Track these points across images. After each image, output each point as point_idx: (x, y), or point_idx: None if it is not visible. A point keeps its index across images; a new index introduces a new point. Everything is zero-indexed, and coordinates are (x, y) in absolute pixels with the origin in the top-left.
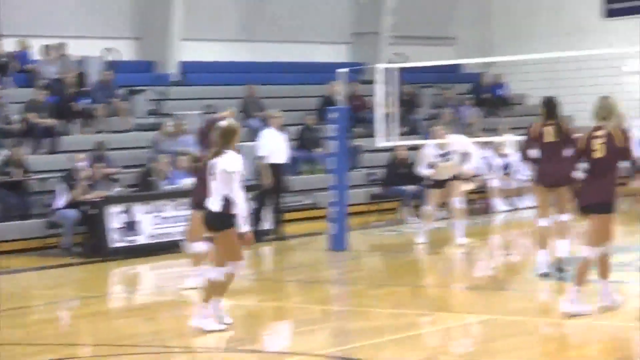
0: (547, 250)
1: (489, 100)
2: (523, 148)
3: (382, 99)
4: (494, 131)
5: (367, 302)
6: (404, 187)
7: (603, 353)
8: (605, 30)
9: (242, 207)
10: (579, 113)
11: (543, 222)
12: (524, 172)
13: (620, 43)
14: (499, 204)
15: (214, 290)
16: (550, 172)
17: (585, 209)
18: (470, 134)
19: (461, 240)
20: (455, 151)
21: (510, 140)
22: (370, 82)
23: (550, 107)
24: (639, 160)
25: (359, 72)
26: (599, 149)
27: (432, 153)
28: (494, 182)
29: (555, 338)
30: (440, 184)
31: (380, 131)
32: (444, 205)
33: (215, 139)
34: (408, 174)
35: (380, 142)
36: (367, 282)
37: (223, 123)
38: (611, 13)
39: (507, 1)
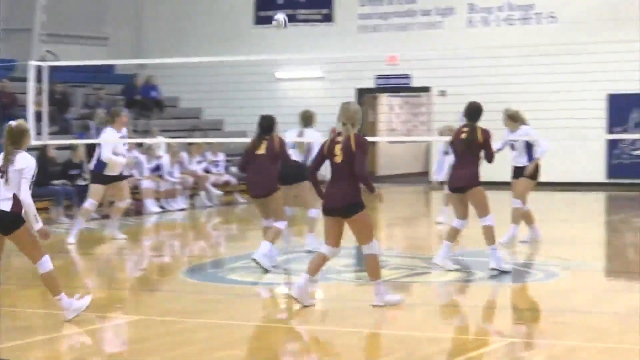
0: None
1: (141, 101)
2: (241, 162)
3: (33, 97)
4: (146, 133)
5: (16, 302)
6: (55, 187)
7: (251, 353)
8: (259, 37)
9: (30, 205)
10: (233, 117)
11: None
12: (175, 175)
13: (273, 50)
14: (150, 205)
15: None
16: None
17: (333, 212)
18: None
19: (119, 236)
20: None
21: (162, 142)
22: (23, 79)
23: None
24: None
25: (9, 69)
26: (338, 154)
27: (115, 137)
28: (146, 183)
29: (204, 339)
30: (108, 179)
31: (30, 129)
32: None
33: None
34: (59, 173)
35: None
36: (16, 281)
37: (13, 123)
38: (260, 20)
39: (159, 4)
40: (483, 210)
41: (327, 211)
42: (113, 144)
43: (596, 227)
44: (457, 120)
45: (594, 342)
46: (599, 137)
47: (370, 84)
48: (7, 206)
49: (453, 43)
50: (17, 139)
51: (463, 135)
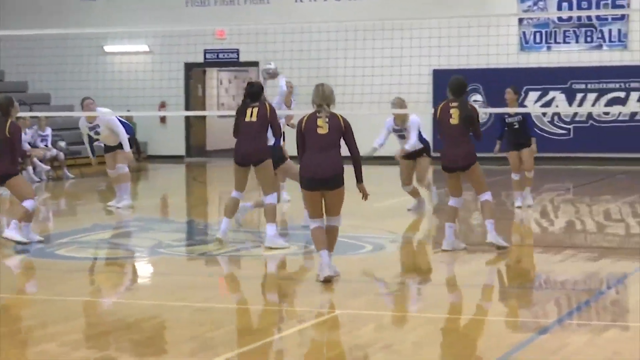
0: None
1: None
2: None
3: None
4: None
5: None
6: None
7: (81, 329)
8: (87, 9)
9: None
10: (61, 91)
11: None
12: None
13: (101, 23)
14: None
15: None
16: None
17: (320, 184)
18: None
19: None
20: None
21: None
22: None
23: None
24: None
25: None
26: (323, 126)
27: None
28: None
29: (33, 315)
30: None
31: None
32: None
33: None
34: None
35: None
36: None
37: None
38: None
39: None
40: (482, 187)
41: (313, 182)
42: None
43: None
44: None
45: (423, 312)
46: (427, 111)
47: (199, 58)
48: None
49: (281, 18)
50: None
51: (455, 112)
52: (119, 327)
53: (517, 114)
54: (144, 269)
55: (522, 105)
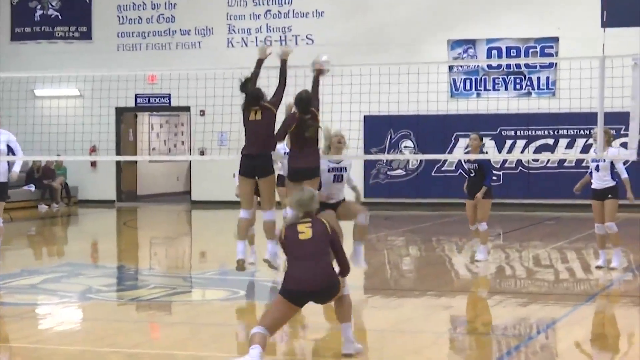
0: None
1: None
2: None
3: None
4: None
5: None
6: None
7: None
8: (16, 53)
9: None
10: None
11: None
12: None
13: (32, 67)
14: None
15: None
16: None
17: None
18: None
19: None
20: None
21: None
22: None
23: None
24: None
25: None
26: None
27: None
28: None
29: None
30: None
31: None
32: None
33: None
34: None
35: None
36: None
37: None
38: (16, 37)
39: None
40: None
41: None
42: None
43: None
44: (215, 139)
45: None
46: (357, 157)
47: (130, 102)
48: None
49: (212, 62)
50: None
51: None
52: None
53: (475, 161)
54: (73, 314)
55: (450, 152)
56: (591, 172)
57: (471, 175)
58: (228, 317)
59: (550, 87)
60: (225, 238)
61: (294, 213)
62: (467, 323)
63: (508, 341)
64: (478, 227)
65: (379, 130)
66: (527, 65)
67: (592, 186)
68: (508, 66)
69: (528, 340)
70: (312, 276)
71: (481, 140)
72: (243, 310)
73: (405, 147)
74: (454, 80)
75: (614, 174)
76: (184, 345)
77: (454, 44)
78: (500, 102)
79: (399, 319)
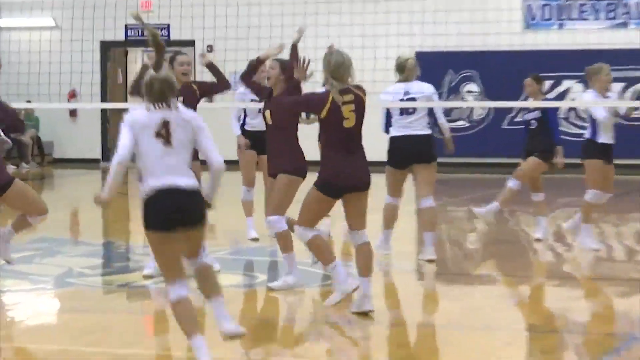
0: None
1: None
2: None
3: None
4: None
5: None
6: None
7: None
8: None
9: None
10: None
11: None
12: None
13: None
14: None
15: None
16: None
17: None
18: None
19: None
20: None
21: None
22: None
23: None
24: None
25: None
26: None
27: None
28: None
29: None
30: None
31: None
32: None
33: None
34: None
35: None
36: None
37: None
38: None
39: None
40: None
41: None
42: None
43: None
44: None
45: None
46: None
47: (120, 35)
48: None
49: None
50: None
51: None
52: None
53: (536, 109)
54: (49, 304)
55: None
56: None
57: (531, 127)
58: (245, 308)
59: None
60: (238, 209)
61: (329, 85)
62: (549, 318)
63: (603, 341)
64: (532, 196)
65: (435, 70)
66: None
67: None
68: None
69: (631, 340)
70: (364, 172)
71: (539, 82)
72: (264, 300)
73: (468, 92)
74: (530, 7)
75: None
76: (186, 345)
77: None
78: (590, 34)
79: (463, 312)
